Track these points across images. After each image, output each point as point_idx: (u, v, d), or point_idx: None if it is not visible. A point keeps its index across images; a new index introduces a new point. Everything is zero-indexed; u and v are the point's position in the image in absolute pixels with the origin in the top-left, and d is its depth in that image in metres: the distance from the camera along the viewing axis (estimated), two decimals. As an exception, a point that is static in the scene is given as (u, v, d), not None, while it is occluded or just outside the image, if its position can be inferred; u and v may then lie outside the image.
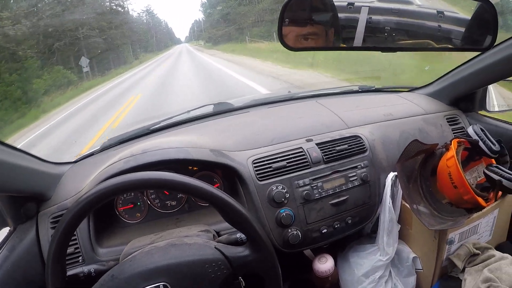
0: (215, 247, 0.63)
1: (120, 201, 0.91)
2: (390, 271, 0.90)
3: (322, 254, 0.90)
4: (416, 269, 0.92)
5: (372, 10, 0.81)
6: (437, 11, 0.81)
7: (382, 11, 0.83)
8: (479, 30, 0.74)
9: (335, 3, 0.82)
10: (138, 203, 0.94)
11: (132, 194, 0.91)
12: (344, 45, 0.85)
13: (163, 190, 0.92)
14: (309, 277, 0.93)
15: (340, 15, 0.83)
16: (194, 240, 0.68)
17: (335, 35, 0.85)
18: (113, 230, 0.89)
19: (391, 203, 0.86)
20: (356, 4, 0.81)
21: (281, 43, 0.71)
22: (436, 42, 0.83)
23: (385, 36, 0.82)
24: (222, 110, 1.14)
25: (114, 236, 0.87)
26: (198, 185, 0.59)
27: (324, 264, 0.88)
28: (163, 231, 0.80)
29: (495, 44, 0.92)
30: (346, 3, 0.82)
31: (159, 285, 0.59)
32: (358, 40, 0.83)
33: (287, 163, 0.84)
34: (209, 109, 1.16)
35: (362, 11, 0.81)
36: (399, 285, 0.90)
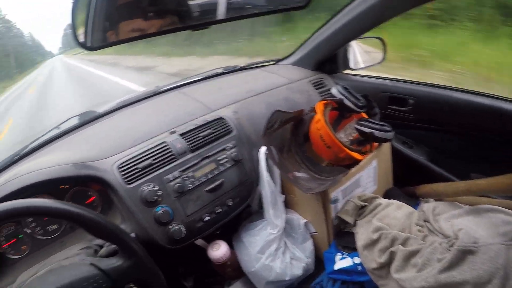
0: (90, 264, 0.62)
1: (3, 238, 0.86)
2: (285, 242, 0.92)
3: (214, 241, 0.90)
4: (310, 233, 0.95)
5: None
6: None
7: None
8: None
9: None
10: (20, 236, 0.88)
11: (12, 228, 0.86)
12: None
13: (40, 218, 0.88)
14: (211, 266, 0.93)
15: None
16: (70, 260, 0.66)
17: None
18: (3, 269, 0.84)
19: (268, 176, 0.87)
20: None
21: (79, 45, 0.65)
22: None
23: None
24: (87, 120, 1.09)
25: (5, 275, 0.82)
26: (46, 205, 0.57)
27: (218, 251, 0.88)
28: (48, 257, 0.77)
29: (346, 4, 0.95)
30: None
31: None
32: (221, 12, 0.80)
33: (153, 160, 0.82)
34: (75, 121, 1.11)
35: None
36: (297, 252, 0.93)
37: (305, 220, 0.94)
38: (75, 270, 0.61)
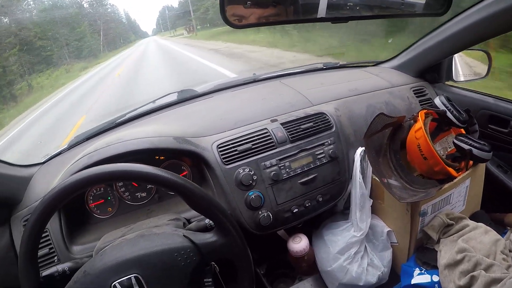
0: (183, 235, 0.64)
1: (91, 197, 0.92)
2: (365, 247, 0.92)
3: (296, 234, 0.91)
4: (391, 242, 0.94)
5: None
6: None
7: None
8: None
9: None
10: (109, 198, 0.94)
11: (102, 189, 0.92)
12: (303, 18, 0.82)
13: (131, 182, 0.92)
14: (286, 258, 0.94)
15: None
16: (162, 229, 0.68)
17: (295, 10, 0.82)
18: (86, 227, 0.90)
19: (361, 178, 0.87)
20: None
21: (226, 22, 0.68)
22: (399, 9, 0.81)
23: (349, 7, 0.81)
24: (186, 97, 1.14)
25: (87, 232, 0.88)
26: (158, 173, 0.59)
27: (298, 244, 0.89)
28: (134, 223, 0.80)
29: (458, 13, 0.92)
30: None
31: (130, 277, 0.59)
32: (321, 11, 0.80)
33: (252, 145, 0.85)
34: (173, 97, 1.17)
35: None
36: (375, 259, 0.92)
37: (388, 229, 0.92)
38: (167, 239, 0.63)
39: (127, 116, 1.08)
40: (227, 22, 0.68)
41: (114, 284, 0.59)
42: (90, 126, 1.10)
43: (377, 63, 1.22)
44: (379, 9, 0.76)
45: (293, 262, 0.93)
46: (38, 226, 0.58)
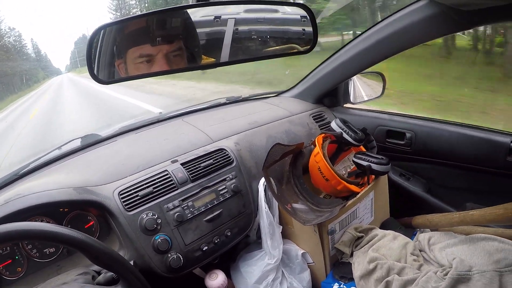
0: None
1: None
2: (282, 272, 0.95)
3: (212, 271, 0.93)
4: (308, 263, 0.98)
5: (239, 21, 0.83)
6: (300, 16, 0.85)
7: (249, 21, 0.86)
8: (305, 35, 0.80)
9: (200, 19, 0.82)
10: (16, 257, 0.90)
11: (8, 248, 0.88)
12: (207, 62, 0.85)
13: (21, 242, 0.89)
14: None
15: (206, 29, 0.83)
16: (71, 286, 0.68)
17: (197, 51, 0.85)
18: None
19: (267, 208, 0.90)
20: (222, 17, 0.83)
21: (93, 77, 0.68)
22: (301, 45, 0.86)
23: (252, 45, 0.85)
24: (89, 143, 1.12)
25: None
26: (56, 231, 0.58)
27: (215, 280, 0.90)
28: (43, 281, 0.78)
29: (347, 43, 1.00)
30: (213, 17, 0.83)
31: None
32: (225, 52, 0.84)
33: (154, 188, 0.86)
34: (77, 143, 1.14)
35: (228, 23, 0.83)
36: (294, 282, 0.95)
37: (302, 251, 0.96)
38: None
39: (31, 166, 1.04)
40: (95, 78, 0.69)
41: None
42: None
43: (278, 94, 1.28)
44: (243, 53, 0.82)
45: (214, 298, 0.94)
46: None
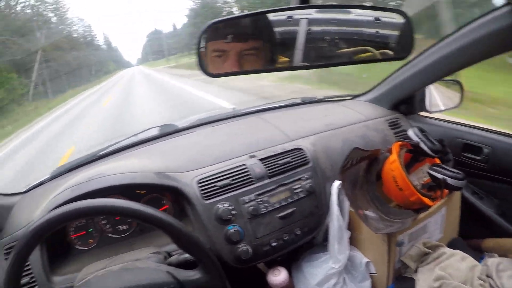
0: (167, 272, 0.66)
1: (72, 229, 0.94)
2: (344, 278, 0.94)
3: (275, 267, 0.93)
4: (370, 273, 0.96)
5: (312, 22, 0.83)
6: (374, 18, 0.83)
7: (322, 21, 0.85)
8: (401, 41, 0.78)
9: (274, 18, 0.82)
10: (90, 230, 0.96)
11: (84, 221, 0.93)
12: (282, 65, 0.85)
13: (112, 216, 0.93)
14: (265, 291, 0.95)
15: (279, 29, 0.84)
16: (146, 264, 0.71)
17: (273, 50, 0.85)
18: (67, 257, 0.92)
19: (338, 211, 0.89)
20: (295, 16, 0.83)
21: (202, 69, 0.71)
22: (376, 48, 0.85)
23: (325, 47, 0.84)
24: (167, 132, 1.17)
25: (68, 263, 0.89)
26: (145, 211, 0.62)
27: (278, 277, 0.91)
28: (115, 255, 0.82)
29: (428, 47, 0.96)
30: (286, 17, 0.83)
31: None
32: (298, 53, 0.84)
33: (232, 180, 0.88)
34: (155, 131, 1.19)
35: (301, 23, 0.83)
36: (354, 290, 0.92)
37: (367, 259, 0.94)
38: (151, 274, 0.66)
39: (109, 149, 1.10)
40: (204, 70, 0.71)
41: None
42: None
43: (353, 97, 1.26)
44: (351, 55, 0.80)
45: (273, 295, 0.94)
46: (22, 256, 0.60)
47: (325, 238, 0.96)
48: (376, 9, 0.83)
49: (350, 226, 0.94)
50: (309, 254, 0.97)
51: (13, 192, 1.01)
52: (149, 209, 0.62)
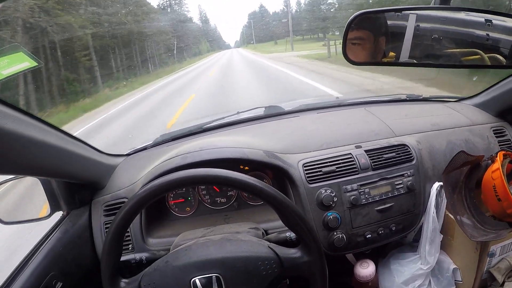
0: (268, 246, 0.68)
1: (172, 195, 0.97)
2: (430, 281, 0.94)
3: (364, 259, 0.94)
4: (455, 280, 0.97)
5: (420, 18, 0.83)
6: (485, 19, 0.82)
7: (430, 19, 0.86)
8: None
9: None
10: (189, 198, 1.00)
11: (184, 189, 0.95)
12: (393, 58, 0.86)
13: (213, 187, 0.95)
14: (349, 281, 0.96)
15: (389, 22, 0.84)
16: (247, 237, 0.73)
17: (386, 43, 0.87)
18: (163, 222, 0.95)
19: (435, 213, 0.90)
20: (404, 11, 0.83)
21: (345, 58, 0.77)
22: (485, 52, 0.83)
23: (433, 45, 0.84)
24: (272, 113, 1.20)
25: (163, 227, 0.94)
26: (262, 187, 0.63)
27: (366, 269, 0.92)
28: (212, 226, 0.84)
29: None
30: (394, 12, 0.84)
31: (212, 276, 0.63)
32: (405, 49, 0.85)
33: (336, 168, 0.90)
34: (260, 111, 1.23)
35: (410, 18, 0.83)
36: (438, 295, 0.92)
37: (454, 266, 0.95)
38: (254, 247, 0.67)
39: (214, 123, 1.14)
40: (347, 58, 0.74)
41: (194, 280, 0.63)
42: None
43: (459, 99, 1.25)
44: (459, 56, 0.80)
45: (357, 286, 0.95)
46: (132, 214, 0.62)
47: (416, 238, 0.97)
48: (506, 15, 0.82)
49: (443, 230, 0.94)
50: (398, 252, 0.98)
51: (117, 153, 1.07)
52: (266, 186, 0.63)
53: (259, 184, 0.63)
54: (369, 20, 0.86)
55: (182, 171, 0.63)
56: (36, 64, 0.69)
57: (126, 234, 0.84)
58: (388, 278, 0.95)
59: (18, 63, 0.68)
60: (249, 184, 0.63)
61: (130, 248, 0.86)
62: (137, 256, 0.77)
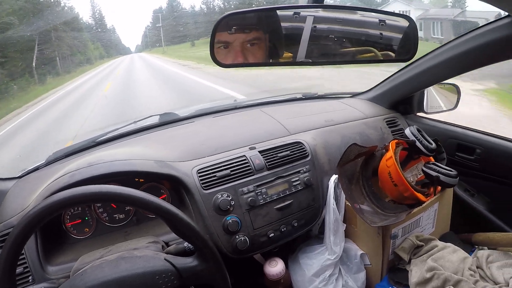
0: (164, 259, 0.67)
1: (68, 217, 0.94)
2: (339, 269, 0.98)
3: (272, 258, 0.96)
4: (364, 265, 1.00)
5: (317, 19, 0.85)
6: (379, 20, 0.86)
7: (327, 20, 0.87)
8: (405, 44, 0.80)
9: (281, 12, 0.84)
10: (86, 218, 0.96)
11: (79, 208, 0.94)
12: (286, 59, 0.87)
13: (110, 204, 0.95)
14: (262, 281, 0.98)
15: (285, 24, 0.86)
16: (143, 252, 0.72)
17: (278, 45, 0.88)
18: (62, 246, 0.92)
19: (335, 204, 0.93)
20: (302, 13, 0.85)
21: (214, 61, 0.75)
22: (379, 49, 0.87)
23: (329, 45, 0.86)
24: (167, 121, 1.18)
25: (63, 252, 0.90)
26: (145, 198, 0.62)
27: (275, 268, 0.94)
28: (111, 245, 0.82)
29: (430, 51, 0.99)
30: (292, 13, 0.85)
31: None
32: (302, 49, 0.86)
33: (231, 171, 0.90)
34: (155, 119, 1.20)
35: (307, 20, 0.85)
36: (349, 281, 0.97)
37: (361, 251, 0.98)
38: (149, 262, 0.66)
39: (108, 135, 1.10)
40: (215, 61, 0.74)
41: None
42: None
43: (353, 95, 1.29)
44: (354, 54, 0.83)
45: (270, 285, 0.98)
46: (18, 244, 0.59)
47: (321, 231, 1.00)
48: (384, 13, 0.86)
49: (346, 219, 0.98)
50: (305, 246, 1.01)
51: (6, 177, 1.00)
52: (151, 197, 0.62)
53: (140, 195, 0.62)
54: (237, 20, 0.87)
55: (61, 193, 0.59)
56: None
57: (24, 265, 0.80)
58: (298, 272, 0.97)
59: None
60: (130, 197, 0.61)
61: (30, 280, 0.81)
62: (36, 287, 0.75)
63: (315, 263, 0.95)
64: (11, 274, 0.60)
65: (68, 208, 0.61)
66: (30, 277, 0.82)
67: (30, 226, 0.58)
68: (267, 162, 0.93)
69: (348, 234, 0.99)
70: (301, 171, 0.95)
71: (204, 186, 0.88)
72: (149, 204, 0.62)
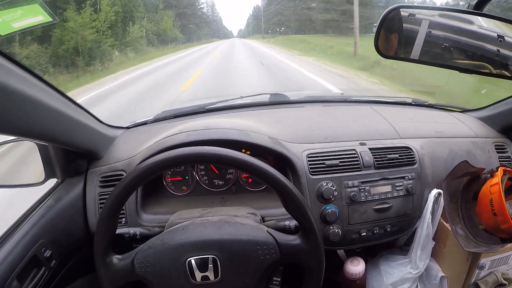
0: (267, 231, 0.67)
1: (169, 172, 0.95)
2: (417, 286, 0.93)
3: (355, 257, 0.94)
4: (442, 288, 0.94)
5: (433, 25, 0.83)
6: (497, 34, 0.82)
7: (443, 27, 0.85)
8: None
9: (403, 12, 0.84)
10: (187, 177, 0.99)
11: (182, 167, 0.94)
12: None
13: (221, 169, 0.96)
14: (337, 277, 0.96)
15: (405, 25, 0.85)
16: (246, 221, 0.72)
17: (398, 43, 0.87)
18: (158, 198, 0.94)
19: (430, 219, 0.89)
20: (417, 16, 0.83)
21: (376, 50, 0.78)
22: (493, 66, 0.84)
23: (441, 53, 0.84)
24: (277, 101, 1.19)
25: (158, 204, 0.93)
26: (268, 171, 0.63)
27: (356, 267, 0.92)
28: (209, 207, 0.83)
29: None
30: (408, 14, 0.84)
31: (208, 257, 0.62)
32: (415, 52, 0.85)
33: (340, 162, 0.90)
34: (265, 98, 1.22)
35: (422, 24, 0.83)
36: (423, 301, 0.92)
37: (443, 274, 0.94)
38: (253, 231, 0.67)
39: (217, 105, 1.12)
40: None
41: (190, 260, 0.62)
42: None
43: (464, 110, 1.25)
44: (473, 59, 0.80)
45: (344, 283, 0.96)
46: (132, 187, 0.61)
47: (407, 242, 0.97)
48: None
49: (435, 237, 0.94)
50: (388, 253, 0.99)
51: (117, 125, 1.05)
52: (273, 170, 0.63)
53: (266, 167, 0.62)
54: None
55: (192, 147, 0.61)
56: (51, 19, 0.66)
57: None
58: (376, 278, 0.95)
59: (32, 16, 0.65)
60: (255, 167, 0.62)
61: (123, 222, 0.85)
62: (131, 230, 0.75)
63: (396, 273, 0.93)
64: (116, 213, 0.63)
65: (187, 164, 0.62)
66: (123, 219, 0.84)
67: (147, 173, 0.60)
68: (375, 161, 0.92)
69: (433, 253, 0.95)
70: (405, 177, 0.93)
71: (312, 171, 0.88)
72: (270, 176, 0.62)
